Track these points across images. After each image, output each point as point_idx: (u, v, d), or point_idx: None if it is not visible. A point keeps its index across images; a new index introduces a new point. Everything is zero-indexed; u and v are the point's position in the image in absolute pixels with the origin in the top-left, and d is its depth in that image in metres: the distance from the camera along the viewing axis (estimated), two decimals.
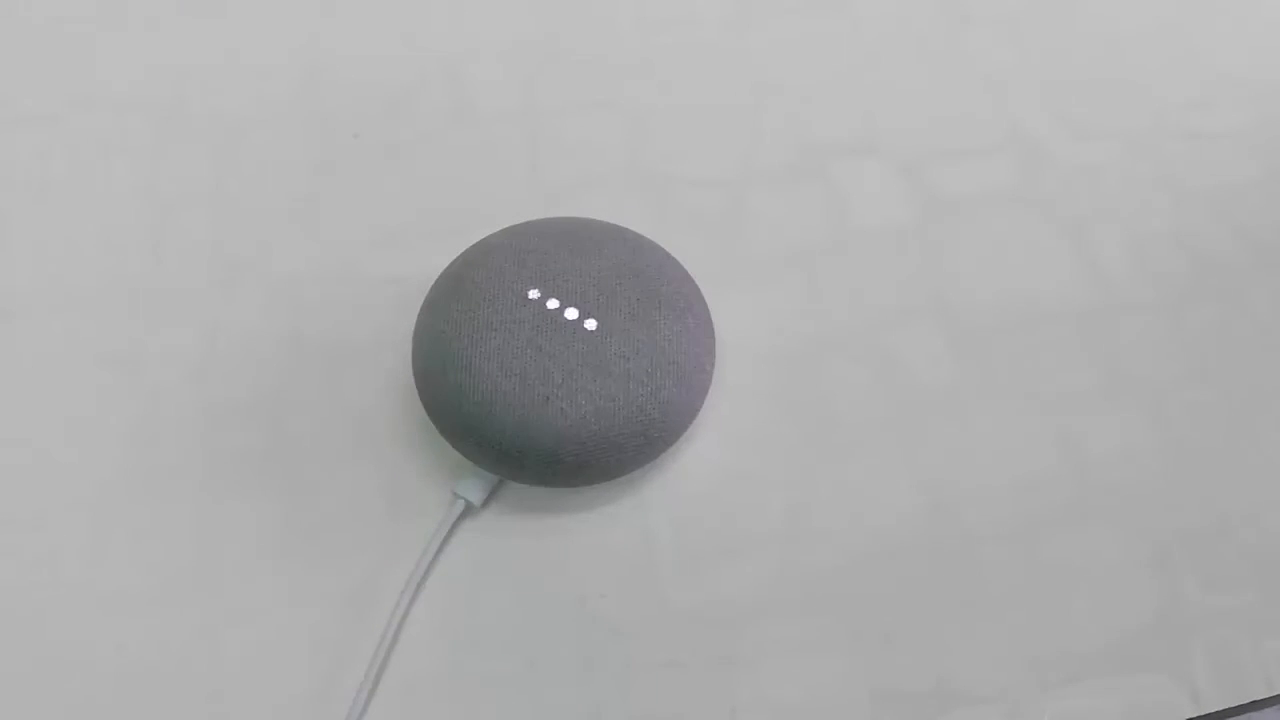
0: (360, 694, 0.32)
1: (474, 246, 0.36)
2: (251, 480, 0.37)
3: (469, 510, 0.35)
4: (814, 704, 0.33)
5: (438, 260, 0.37)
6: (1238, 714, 0.32)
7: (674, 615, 0.34)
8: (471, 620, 0.34)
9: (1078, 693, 0.32)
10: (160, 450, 0.37)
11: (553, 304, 0.34)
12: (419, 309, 0.36)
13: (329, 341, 0.39)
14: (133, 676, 0.34)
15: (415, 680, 0.33)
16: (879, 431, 0.37)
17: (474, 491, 0.35)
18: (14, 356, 0.39)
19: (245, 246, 0.41)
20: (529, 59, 0.45)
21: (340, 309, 0.39)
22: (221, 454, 0.37)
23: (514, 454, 0.33)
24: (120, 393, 0.38)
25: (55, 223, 0.42)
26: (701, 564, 0.35)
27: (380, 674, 0.33)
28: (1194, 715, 0.32)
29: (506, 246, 0.36)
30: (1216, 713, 0.32)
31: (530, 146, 0.42)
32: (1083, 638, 0.33)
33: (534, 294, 0.34)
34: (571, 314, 0.33)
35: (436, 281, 0.36)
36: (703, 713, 0.33)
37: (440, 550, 0.35)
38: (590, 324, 0.33)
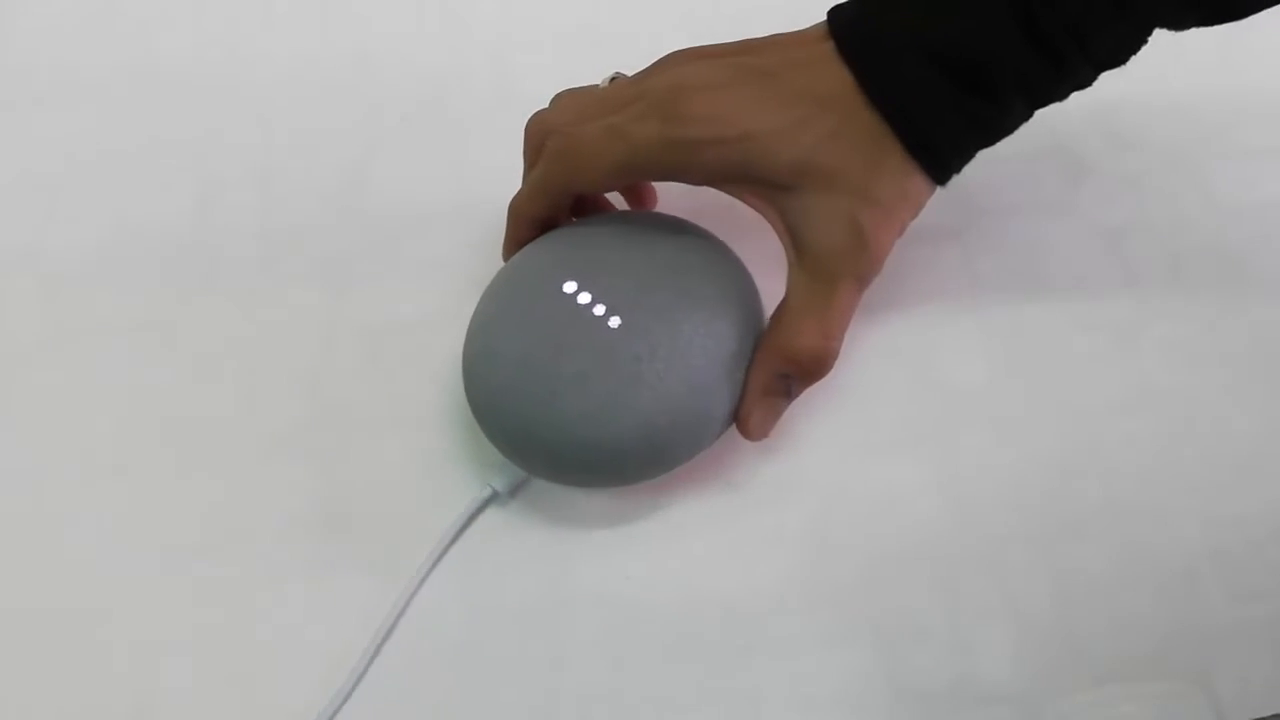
0: (362, 661, 0.33)
1: (546, 234, 0.35)
2: (285, 454, 0.37)
3: (496, 498, 0.35)
4: (834, 697, 0.33)
5: (481, 243, 0.37)
6: None
7: (697, 603, 0.34)
8: (490, 603, 0.34)
9: (1099, 699, 0.32)
10: (200, 421, 0.38)
11: (584, 299, 0.32)
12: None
13: (372, 321, 0.39)
14: (161, 631, 0.34)
15: (426, 653, 0.33)
16: (910, 431, 0.37)
17: (502, 480, 0.35)
18: (61, 326, 0.40)
19: (291, 222, 0.41)
20: (575, 45, 0.45)
21: (384, 288, 0.40)
22: (259, 427, 0.37)
23: (521, 448, 0.33)
24: (161, 363, 0.39)
25: (104, 195, 0.43)
26: (727, 556, 0.35)
27: (384, 641, 0.33)
28: None
29: (564, 237, 0.35)
30: None
31: None
32: (1106, 643, 0.33)
33: (569, 287, 0.33)
34: (599, 310, 0.32)
35: (501, 269, 0.36)
36: (723, 702, 0.33)
37: (461, 532, 0.35)
38: (614, 321, 0.32)
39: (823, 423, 0.37)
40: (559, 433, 0.32)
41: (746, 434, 0.34)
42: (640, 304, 0.32)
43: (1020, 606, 0.34)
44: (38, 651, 0.34)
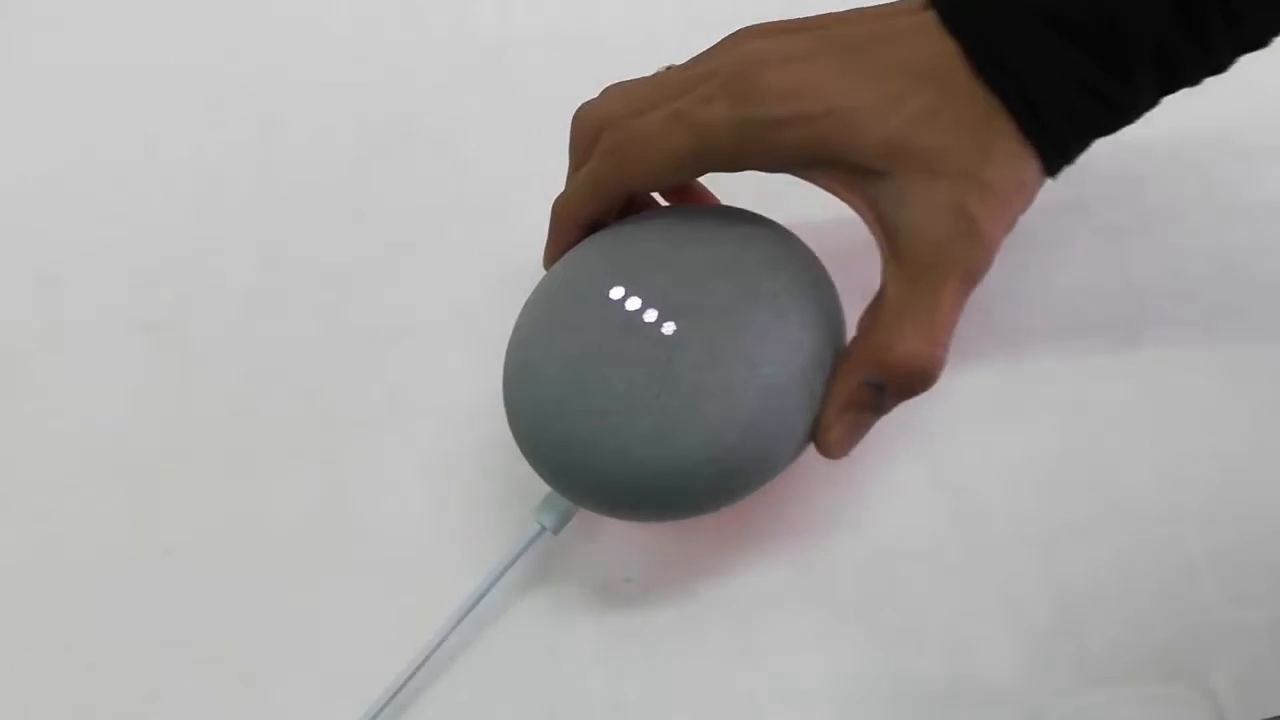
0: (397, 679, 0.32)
1: (589, 237, 0.32)
2: (288, 460, 0.37)
3: (543, 534, 0.32)
4: (834, 697, 0.33)
5: (483, 244, 0.37)
6: None
7: (697, 604, 0.34)
8: (494, 603, 0.34)
9: (1099, 699, 0.32)
10: (200, 422, 0.38)
11: (633, 304, 0.29)
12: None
13: (374, 323, 0.39)
14: (159, 646, 0.34)
15: (436, 659, 0.33)
16: (909, 431, 0.37)
17: (550, 515, 0.32)
18: (61, 326, 0.40)
19: (291, 223, 0.41)
20: (577, 45, 0.45)
21: (385, 290, 0.40)
22: (260, 429, 0.37)
23: (568, 474, 0.30)
24: (161, 363, 0.39)
25: (104, 195, 0.43)
26: (725, 556, 0.35)
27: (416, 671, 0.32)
28: None
29: (611, 238, 0.32)
30: None
31: None
32: (1105, 645, 0.33)
33: (617, 293, 0.29)
34: (650, 315, 0.29)
35: (543, 277, 0.33)
36: (722, 703, 0.33)
37: (503, 573, 0.32)
38: (668, 327, 0.28)
39: None
40: (610, 455, 0.29)
41: (825, 451, 0.30)
42: (698, 306, 0.29)
43: (1020, 606, 0.34)
44: (38, 652, 0.34)
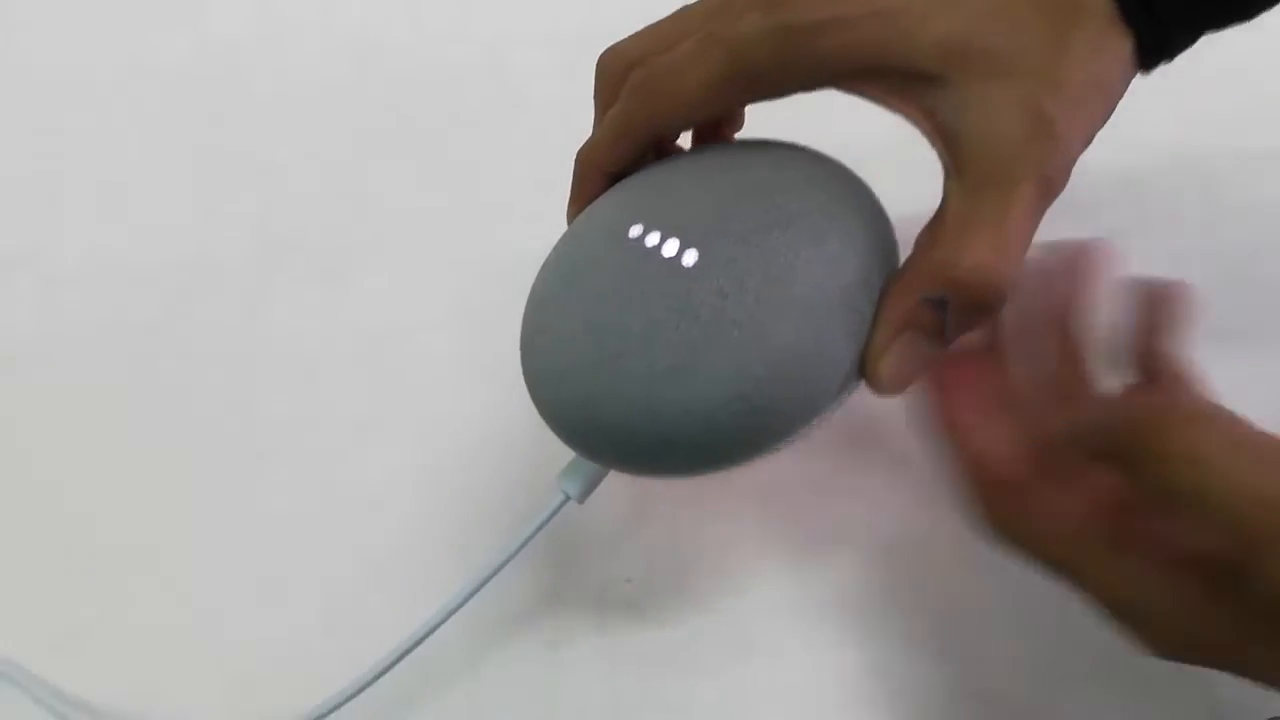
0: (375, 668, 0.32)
1: (614, 186, 0.30)
2: (288, 459, 0.37)
3: (567, 504, 0.30)
4: (832, 698, 0.33)
5: (482, 243, 0.37)
6: None
7: (695, 605, 0.34)
8: (494, 603, 0.34)
9: (1097, 700, 0.32)
10: (200, 422, 0.38)
11: (652, 239, 0.26)
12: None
13: (374, 323, 0.39)
14: (161, 641, 0.34)
15: (435, 657, 0.33)
16: (907, 431, 0.37)
17: (574, 482, 0.29)
18: (61, 326, 0.40)
19: (291, 222, 0.41)
20: (576, 44, 0.45)
21: (385, 289, 0.40)
22: (262, 430, 0.37)
23: (587, 431, 0.27)
24: (161, 363, 0.39)
25: (104, 195, 0.43)
26: (723, 556, 0.35)
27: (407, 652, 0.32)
28: None
29: (634, 181, 0.29)
30: None
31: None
32: (1104, 644, 0.33)
33: (635, 230, 0.26)
34: (670, 249, 0.26)
35: (564, 232, 0.30)
36: (721, 703, 0.33)
37: (524, 544, 0.30)
38: (689, 257, 0.25)
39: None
40: (628, 401, 0.26)
41: (876, 384, 0.26)
42: (722, 230, 0.26)
43: (1020, 606, 0.34)
44: (38, 652, 0.34)
